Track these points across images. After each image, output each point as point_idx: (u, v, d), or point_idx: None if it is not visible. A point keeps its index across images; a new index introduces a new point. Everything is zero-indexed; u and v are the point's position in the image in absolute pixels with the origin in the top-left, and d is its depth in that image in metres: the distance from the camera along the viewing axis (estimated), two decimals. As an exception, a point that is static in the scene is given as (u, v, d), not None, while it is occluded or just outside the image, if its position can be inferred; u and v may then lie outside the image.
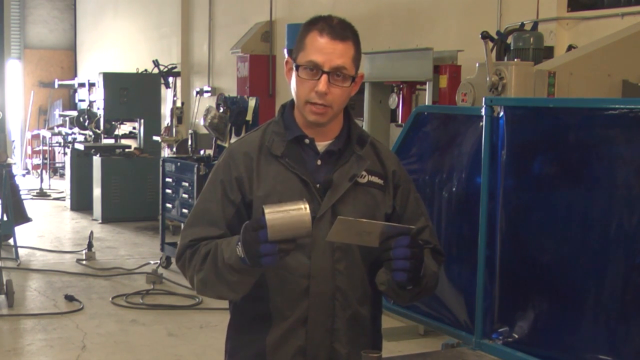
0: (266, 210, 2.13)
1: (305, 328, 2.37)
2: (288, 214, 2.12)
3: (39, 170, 15.71)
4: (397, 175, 2.47)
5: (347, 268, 2.37)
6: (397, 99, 6.92)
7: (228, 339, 2.53)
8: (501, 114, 2.93)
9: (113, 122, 12.52)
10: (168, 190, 8.72)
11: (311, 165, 2.38)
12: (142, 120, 12.02)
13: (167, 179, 8.75)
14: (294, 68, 2.35)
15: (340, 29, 2.32)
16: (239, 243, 2.20)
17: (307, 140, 2.39)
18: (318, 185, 2.35)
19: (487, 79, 4.95)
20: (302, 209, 2.12)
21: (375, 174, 2.42)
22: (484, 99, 3.00)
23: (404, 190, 2.47)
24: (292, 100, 2.45)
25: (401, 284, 2.29)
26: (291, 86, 2.38)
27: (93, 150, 11.87)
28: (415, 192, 2.54)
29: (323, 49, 2.29)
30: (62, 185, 14.36)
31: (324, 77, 2.28)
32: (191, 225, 2.43)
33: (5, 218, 8.71)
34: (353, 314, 2.40)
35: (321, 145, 2.40)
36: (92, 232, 9.16)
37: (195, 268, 2.35)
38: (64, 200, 13.14)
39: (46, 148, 15.92)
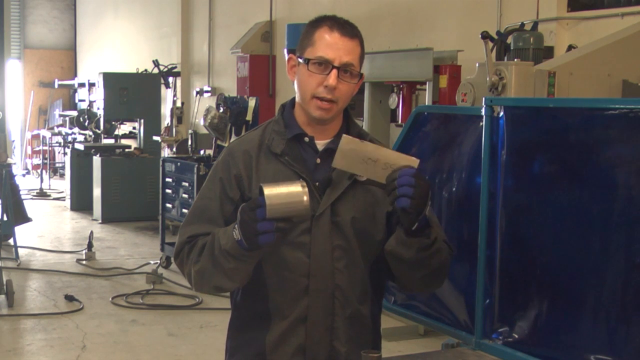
0: (265, 188, 2.14)
1: (304, 326, 2.36)
2: (286, 191, 2.14)
3: (39, 170, 15.71)
4: None
5: (346, 266, 2.37)
6: (397, 99, 6.92)
7: (228, 338, 2.54)
8: (501, 114, 2.93)
9: (113, 122, 12.52)
10: (168, 190, 8.72)
11: (311, 164, 2.39)
12: (142, 120, 12.01)
13: (167, 179, 8.76)
14: (303, 62, 2.35)
15: (349, 26, 2.36)
16: (236, 226, 2.20)
17: (306, 139, 2.40)
18: (317, 184, 2.35)
19: (487, 79, 4.95)
20: (300, 188, 2.14)
21: None
22: (484, 99, 3.00)
23: None
24: (292, 100, 2.46)
25: (405, 219, 2.23)
26: (295, 82, 2.39)
27: (93, 150, 11.87)
28: None
29: (333, 45, 2.32)
30: (62, 185, 14.36)
31: (334, 71, 2.30)
32: (189, 223, 2.44)
33: (5, 218, 8.71)
34: (353, 312, 2.39)
35: (320, 144, 2.41)
36: (92, 232, 9.16)
37: (192, 261, 2.36)
38: (64, 200, 13.13)
39: (46, 148, 15.91)
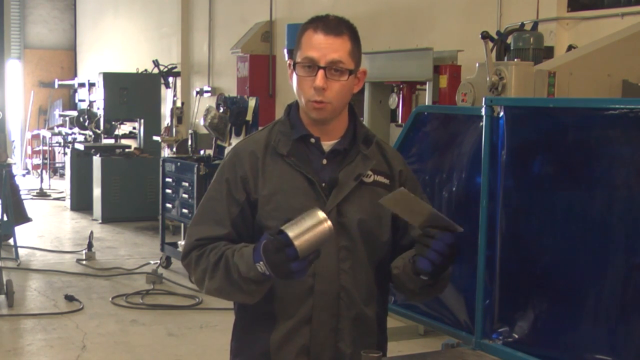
0: (290, 234, 2.11)
1: (309, 327, 2.36)
2: (313, 232, 2.12)
3: (39, 170, 15.71)
4: (404, 175, 2.48)
5: (352, 268, 2.37)
6: (397, 99, 6.92)
7: (233, 339, 2.54)
8: (501, 114, 2.93)
9: (113, 122, 12.53)
10: (168, 190, 8.72)
11: (317, 165, 2.38)
12: (142, 120, 12.02)
13: (167, 179, 8.75)
14: (293, 67, 2.36)
15: (334, 24, 2.34)
16: (262, 262, 2.18)
17: (312, 140, 2.40)
18: (324, 184, 2.35)
19: (487, 79, 4.94)
20: (323, 221, 2.12)
21: (381, 174, 2.42)
22: (484, 99, 2.99)
23: (411, 190, 2.47)
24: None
25: (421, 271, 2.28)
26: (293, 87, 2.39)
27: (93, 150, 11.87)
28: (422, 193, 2.55)
29: (318, 45, 2.31)
30: (62, 185, 14.36)
31: (321, 72, 2.30)
32: (197, 223, 2.44)
33: (5, 218, 8.71)
34: (357, 314, 2.39)
35: (327, 145, 2.41)
36: (92, 232, 9.16)
37: (206, 273, 2.35)
38: (64, 200, 13.14)
39: (46, 148, 15.91)
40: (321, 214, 2.13)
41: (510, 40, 6.15)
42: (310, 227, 2.12)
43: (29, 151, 17.79)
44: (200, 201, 2.52)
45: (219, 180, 2.44)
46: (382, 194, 2.38)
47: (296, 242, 2.11)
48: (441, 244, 2.22)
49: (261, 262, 2.18)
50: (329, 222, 2.13)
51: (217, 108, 8.38)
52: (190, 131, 9.56)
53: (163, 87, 12.40)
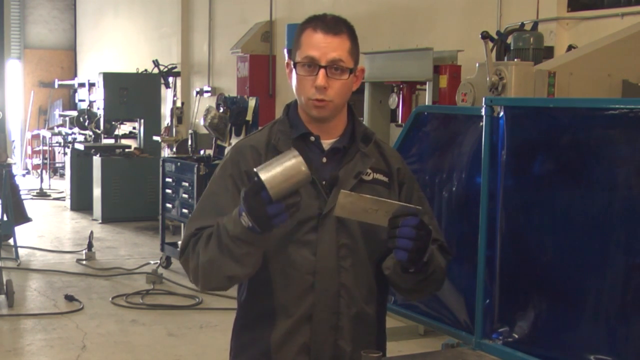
0: (261, 174, 2.10)
1: (309, 325, 2.36)
2: (282, 167, 2.10)
3: (39, 170, 15.71)
4: (402, 173, 2.49)
5: (352, 265, 2.37)
6: (397, 99, 6.92)
7: (233, 338, 2.53)
8: (501, 114, 2.93)
9: (113, 122, 12.53)
10: (168, 190, 8.72)
11: (317, 163, 2.38)
12: (142, 120, 12.02)
13: (167, 179, 8.75)
14: (292, 66, 2.36)
15: (333, 23, 2.35)
16: (243, 212, 2.16)
17: (312, 138, 2.40)
18: (324, 182, 2.36)
19: (487, 79, 4.94)
20: (294, 160, 2.10)
21: (379, 172, 2.43)
22: (484, 99, 3.00)
23: (409, 188, 2.49)
24: (297, 100, 2.45)
25: (402, 264, 2.28)
26: (292, 86, 2.40)
27: (93, 150, 11.87)
28: (419, 190, 2.55)
29: (318, 44, 2.32)
30: (62, 185, 14.36)
31: (322, 71, 2.30)
32: (197, 217, 2.40)
33: (5, 218, 8.71)
34: (358, 312, 2.39)
35: (326, 143, 2.41)
36: (92, 232, 9.16)
37: (198, 253, 2.31)
38: (64, 200, 13.14)
39: (46, 148, 15.91)
40: (292, 151, 2.12)
41: (510, 40, 6.15)
42: (280, 164, 2.10)
43: (29, 151, 17.78)
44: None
45: (221, 176, 2.42)
46: (382, 191, 2.40)
47: (268, 185, 2.08)
48: (407, 229, 2.20)
49: (243, 213, 2.16)
50: (300, 157, 2.11)
51: (217, 108, 8.39)
52: (190, 131, 9.56)
53: (163, 87, 12.40)
